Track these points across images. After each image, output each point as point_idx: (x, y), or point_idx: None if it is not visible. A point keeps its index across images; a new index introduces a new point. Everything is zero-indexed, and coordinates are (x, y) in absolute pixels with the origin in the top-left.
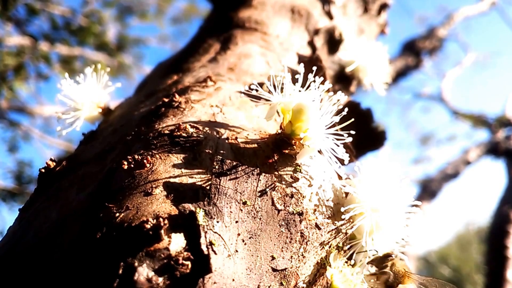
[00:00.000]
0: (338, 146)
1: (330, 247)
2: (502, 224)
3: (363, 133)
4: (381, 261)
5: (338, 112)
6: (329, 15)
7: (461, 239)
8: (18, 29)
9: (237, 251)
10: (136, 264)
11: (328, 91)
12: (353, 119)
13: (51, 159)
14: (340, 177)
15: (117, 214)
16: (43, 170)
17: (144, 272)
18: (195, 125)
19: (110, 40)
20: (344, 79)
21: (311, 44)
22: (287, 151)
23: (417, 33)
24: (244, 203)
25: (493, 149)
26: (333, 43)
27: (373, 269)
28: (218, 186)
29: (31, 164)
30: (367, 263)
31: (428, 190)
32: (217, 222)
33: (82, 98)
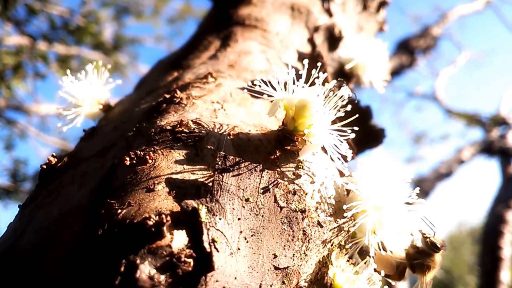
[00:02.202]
0: (341, 142)
1: (332, 245)
2: (495, 224)
3: (361, 130)
4: (432, 247)
5: (341, 108)
6: (329, 12)
7: (453, 239)
8: (17, 29)
9: (239, 248)
10: (138, 261)
11: (332, 88)
12: (357, 115)
13: (52, 155)
14: (342, 174)
15: (119, 211)
16: (44, 166)
17: (146, 269)
18: (196, 121)
19: (106, 39)
20: (343, 77)
21: (311, 41)
22: (289, 148)
23: (411, 32)
24: (247, 200)
25: (487, 148)
26: (333, 40)
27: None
28: (220, 183)
29: (26, 162)
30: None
31: (421, 189)
32: (220, 219)
33: (82, 94)
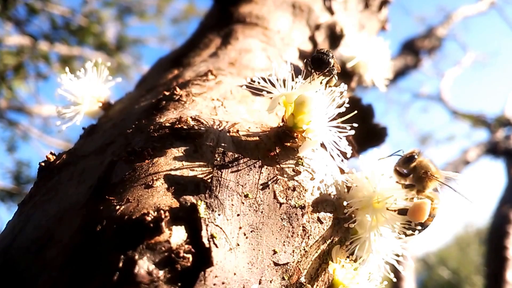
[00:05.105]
0: (340, 139)
1: (332, 241)
2: (501, 224)
3: (364, 129)
4: (404, 164)
5: (341, 105)
6: (330, 10)
7: (460, 240)
8: (18, 29)
9: (238, 244)
10: (136, 257)
11: (330, 84)
12: (356, 112)
13: (51, 153)
14: (342, 171)
15: (118, 207)
16: (42, 164)
17: (144, 265)
18: (196, 118)
19: (109, 40)
20: (345, 75)
21: (312, 39)
22: (289, 144)
23: (416, 32)
24: (246, 196)
25: (492, 149)
26: (334, 38)
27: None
28: (219, 179)
29: (29, 164)
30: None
31: None
32: (219, 215)
33: (82, 92)
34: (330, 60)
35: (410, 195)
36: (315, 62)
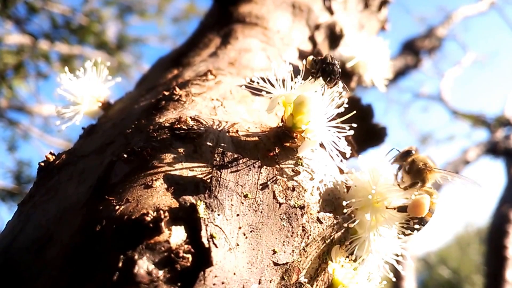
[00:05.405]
0: (339, 139)
1: (332, 241)
2: (501, 224)
3: (363, 129)
4: (402, 158)
5: (340, 105)
6: (330, 10)
7: (460, 240)
8: (18, 28)
9: (238, 244)
10: (136, 257)
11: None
12: (355, 112)
13: (50, 153)
14: (341, 171)
15: (117, 207)
16: (42, 164)
17: (144, 265)
18: (195, 118)
19: (110, 39)
20: (344, 75)
21: (311, 39)
22: (288, 144)
23: (416, 32)
24: (245, 196)
25: (492, 149)
26: (334, 38)
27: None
28: (219, 179)
29: (30, 163)
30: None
31: None
32: (218, 215)
33: (82, 92)
34: (339, 70)
35: (409, 195)
36: (325, 74)
